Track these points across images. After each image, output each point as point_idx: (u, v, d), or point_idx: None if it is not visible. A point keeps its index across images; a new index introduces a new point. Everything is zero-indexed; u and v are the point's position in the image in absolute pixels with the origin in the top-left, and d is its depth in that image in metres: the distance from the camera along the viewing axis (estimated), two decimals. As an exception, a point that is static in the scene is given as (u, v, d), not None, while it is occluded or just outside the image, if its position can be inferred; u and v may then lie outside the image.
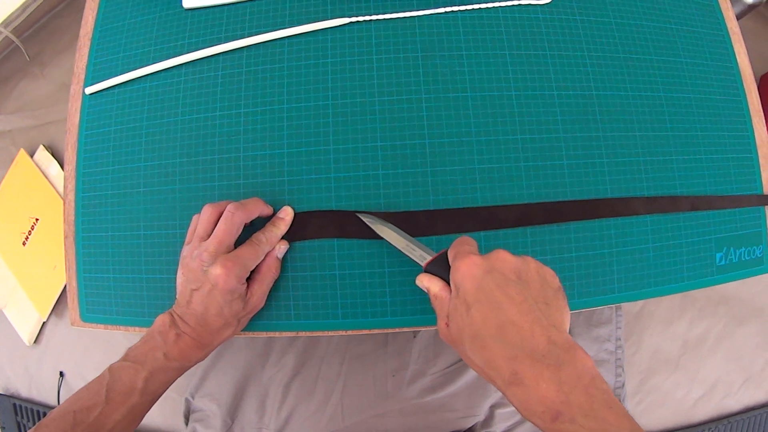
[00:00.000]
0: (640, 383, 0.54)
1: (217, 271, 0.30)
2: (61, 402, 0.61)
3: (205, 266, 0.31)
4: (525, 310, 0.24)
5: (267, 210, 0.35)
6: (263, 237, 0.33)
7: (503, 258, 0.26)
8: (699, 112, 0.41)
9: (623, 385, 0.48)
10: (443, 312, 0.28)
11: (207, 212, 0.33)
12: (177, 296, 0.34)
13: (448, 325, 0.27)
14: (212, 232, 0.32)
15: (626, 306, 0.61)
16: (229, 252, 0.32)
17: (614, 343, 0.48)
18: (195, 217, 0.35)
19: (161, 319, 0.32)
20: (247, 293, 0.33)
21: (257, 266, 0.34)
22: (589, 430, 0.21)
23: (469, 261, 0.26)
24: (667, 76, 0.41)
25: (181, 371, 0.32)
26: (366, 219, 0.35)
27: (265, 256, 0.34)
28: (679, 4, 0.43)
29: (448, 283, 0.29)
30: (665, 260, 0.39)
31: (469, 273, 0.26)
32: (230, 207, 0.32)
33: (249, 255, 0.32)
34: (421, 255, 0.32)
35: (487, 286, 0.25)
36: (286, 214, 0.35)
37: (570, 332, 0.49)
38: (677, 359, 0.55)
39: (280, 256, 0.35)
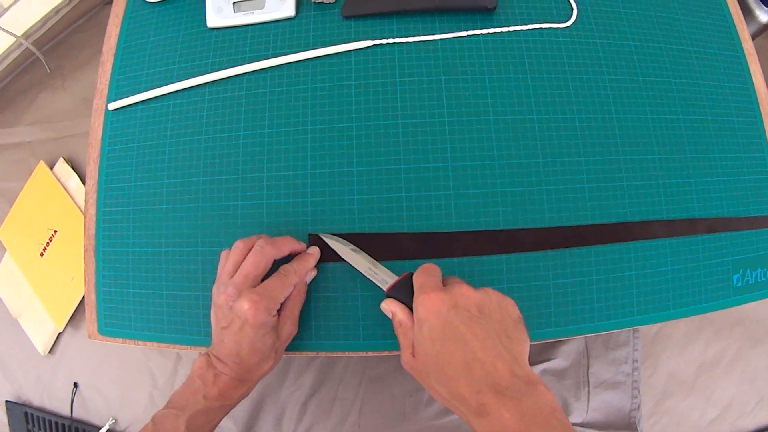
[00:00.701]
0: (656, 405, 0.54)
1: (244, 306, 0.30)
2: (74, 413, 0.61)
3: (231, 301, 0.30)
4: (488, 346, 0.25)
5: (299, 246, 0.34)
6: (291, 268, 0.33)
7: (466, 294, 0.27)
8: (716, 134, 0.41)
9: (639, 407, 0.48)
10: (407, 341, 0.29)
11: (238, 248, 0.33)
12: (212, 336, 0.33)
13: (413, 355, 0.28)
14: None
15: (643, 328, 0.61)
16: (254, 285, 0.31)
17: (631, 365, 0.48)
18: (224, 253, 0.34)
19: (199, 362, 0.32)
20: (278, 324, 0.32)
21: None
22: None
23: (434, 297, 0.27)
24: (685, 98, 0.41)
25: (224, 410, 0.32)
26: (328, 240, 0.35)
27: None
28: (695, 25, 0.43)
29: (411, 308, 0.30)
30: (683, 282, 0.39)
31: (434, 309, 0.27)
32: (260, 242, 0.32)
33: (277, 286, 0.31)
34: (383, 279, 0.32)
35: (452, 323, 0.26)
36: (315, 251, 0.35)
37: (587, 354, 0.50)
38: (693, 381, 0.55)
39: (308, 280, 0.35)
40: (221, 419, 0.32)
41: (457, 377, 0.25)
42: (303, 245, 0.35)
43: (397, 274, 0.33)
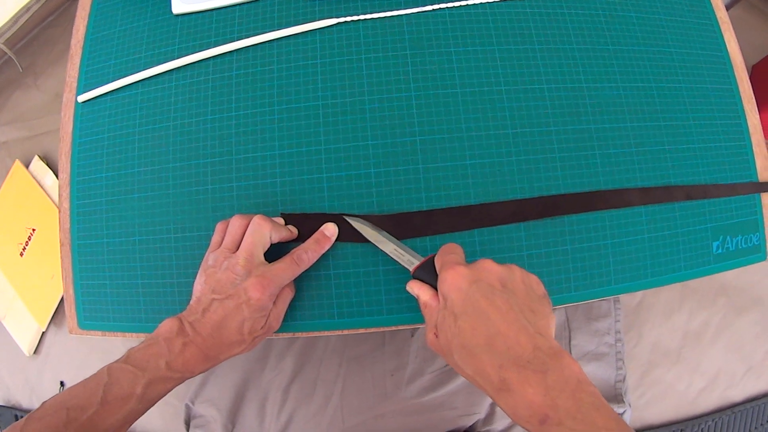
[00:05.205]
0: (642, 376, 0.54)
1: (252, 287, 0.30)
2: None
3: (238, 280, 0.30)
4: (511, 319, 0.24)
5: (292, 235, 0.34)
6: (306, 256, 0.32)
7: (489, 268, 0.27)
8: (691, 102, 0.41)
9: (624, 378, 0.48)
10: (432, 321, 0.28)
11: (236, 223, 0.32)
12: (191, 302, 0.32)
13: (437, 335, 0.27)
14: (240, 244, 0.32)
15: (625, 299, 0.60)
16: (261, 265, 0.31)
17: (614, 336, 0.48)
18: (220, 225, 0.34)
19: (168, 325, 0.30)
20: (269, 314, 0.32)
21: None
22: None
23: (455, 272, 0.27)
24: (657, 66, 0.41)
25: (181, 381, 0.31)
26: (354, 222, 0.34)
27: None
28: (667, -6, 0.43)
29: (437, 290, 0.29)
30: (661, 251, 0.38)
31: (456, 284, 0.26)
32: (257, 218, 0.32)
33: (287, 274, 0.31)
34: (409, 260, 0.32)
35: (473, 297, 0.25)
36: (332, 233, 0.34)
37: (569, 326, 0.49)
38: (678, 351, 0.55)
39: None
40: (174, 388, 0.32)
41: (480, 353, 0.24)
42: (295, 232, 0.35)
43: (370, 253, 0.33)
